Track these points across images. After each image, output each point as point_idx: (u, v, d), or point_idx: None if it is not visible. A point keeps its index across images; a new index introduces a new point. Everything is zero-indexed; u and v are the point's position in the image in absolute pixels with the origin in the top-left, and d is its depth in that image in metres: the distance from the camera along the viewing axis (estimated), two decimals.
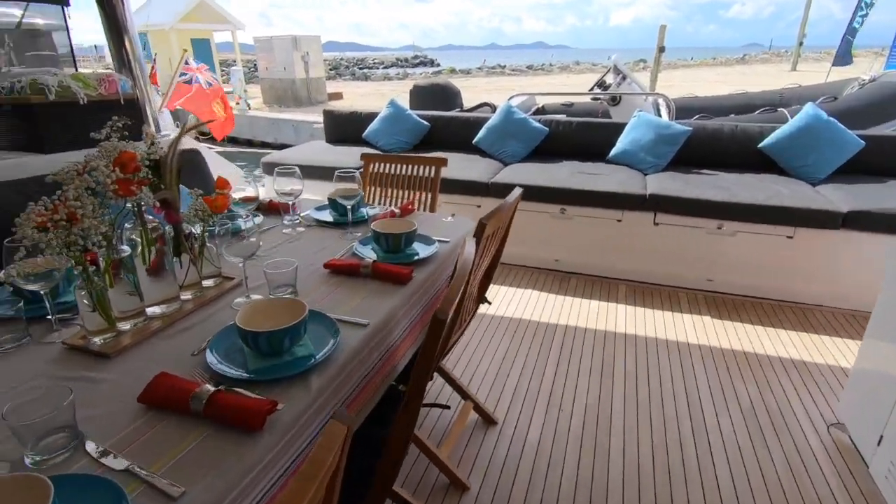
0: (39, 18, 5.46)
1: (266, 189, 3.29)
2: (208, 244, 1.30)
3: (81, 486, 0.69)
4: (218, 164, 5.11)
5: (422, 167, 2.42)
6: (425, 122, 4.31)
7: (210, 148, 6.31)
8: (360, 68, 41.17)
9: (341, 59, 50.19)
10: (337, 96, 15.74)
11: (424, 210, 2.35)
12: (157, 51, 12.75)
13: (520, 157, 3.86)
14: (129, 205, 1.05)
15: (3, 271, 0.98)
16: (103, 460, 0.75)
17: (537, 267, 3.41)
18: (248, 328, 0.95)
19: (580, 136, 3.85)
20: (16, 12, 5.03)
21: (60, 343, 1.05)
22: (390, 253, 1.50)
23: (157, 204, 1.13)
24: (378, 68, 44.14)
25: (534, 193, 3.21)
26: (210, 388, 0.85)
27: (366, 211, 1.91)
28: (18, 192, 1.77)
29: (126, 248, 1.07)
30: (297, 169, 1.73)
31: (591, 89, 5.78)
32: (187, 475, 0.72)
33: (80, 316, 1.02)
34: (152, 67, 9.34)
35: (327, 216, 1.85)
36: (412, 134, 4.28)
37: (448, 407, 1.98)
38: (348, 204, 1.68)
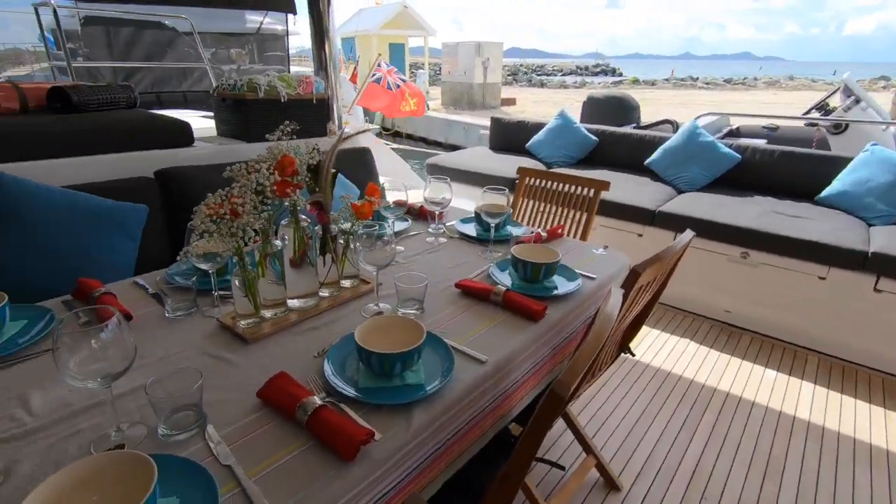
0: (278, 24, 6.55)
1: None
2: (351, 246, 1.34)
3: (184, 471, 0.72)
4: (391, 161, 5.55)
5: (580, 187, 2.24)
6: (593, 137, 4.05)
7: (387, 144, 6.90)
8: (538, 74, 41.24)
9: (521, 64, 50.89)
10: (510, 102, 15.96)
11: (575, 236, 2.18)
12: (361, 53, 14.42)
13: (699, 186, 3.39)
14: (285, 203, 1.11)
15: (183, 249, 1.12)
16: (216, 449, 0.79)
17: (701, 314, 2.95)
18: (363, 345, 0.93)
19: (782, 169, 3.22)
20: (258, 19, 6.11)
21: (216, 319, 1.16)
22: (527, 282, 1.38)
23: (310, 205, 1.19)
24: (556, 75, 43.71)
25: (710, 230, 2.77)
26: (317, 400, 0.85)
27: (510, 230, 1.82)
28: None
29: (278, 244, 1.14)
30: (447, 180, 1.71)
31: (808, 112, 4.83)
32: (278, 488, 0.72)
33: (234, 299, 1.12)
34: (355, 68, 10.58)
35: (471, 230, 1.81)
36: (578, 148, 4.06)
37: (563, 468, 1.79)
38: (492, 221, 1.61)
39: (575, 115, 4.39)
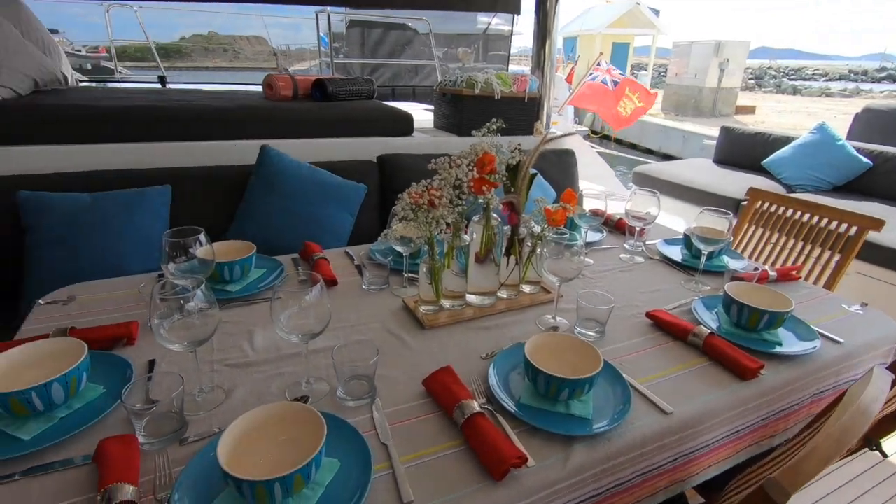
0: (505, 25, 6.83)
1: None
2: (538, 252, 1.29)
3: (350, 438, 0.77)
4: (595, 165, 5.30)
5: (837, 222, 1.77)
6: (865, 160, 3.20)
7: (592, 147, 6.62)
8: (791, 79, 34.56)
9: (768, 67, 43.30)
10: (747, 110, 13.78)
11: (817, 282, 1.74)
12: (581, 53, 14.10)
13: None
14: (479, 200, 1.11)
15: (385, 231, 1.22)
16: (379, 425, 0.83)
17: None
18: (532, 360, 0.87)
19: None
20: (487, 20, 6.46)
21: (402, 299, 1.24)
22: (740, 329, 1.14)
23: (503, 204, 1.17)
24: (817, 80, 35.99)
25: None
26: (475, 405, 0.83)
27: (727, 261, 1.54)
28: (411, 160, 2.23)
29: (467, 238, 1.16)
30: (656, 193, 1.52)
31: None
32: (425, 481, 0.72)
33: (419, 283, 1.18)
34: (572, 68, 10.39)
35: (676, 253, 1.58)
36: (838, 171, 3.26)
37: None
38: (706, 248, 1.37)
39: (840, 130, 3.52)
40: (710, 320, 1.19)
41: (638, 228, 1.60)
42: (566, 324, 1.18)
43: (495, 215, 1.19)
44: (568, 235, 1.13)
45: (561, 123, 6.27)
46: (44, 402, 0.78)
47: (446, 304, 1.20)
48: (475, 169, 1.06)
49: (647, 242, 1.70)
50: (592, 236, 1.73)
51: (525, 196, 1.21)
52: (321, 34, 5.57)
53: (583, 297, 1.12)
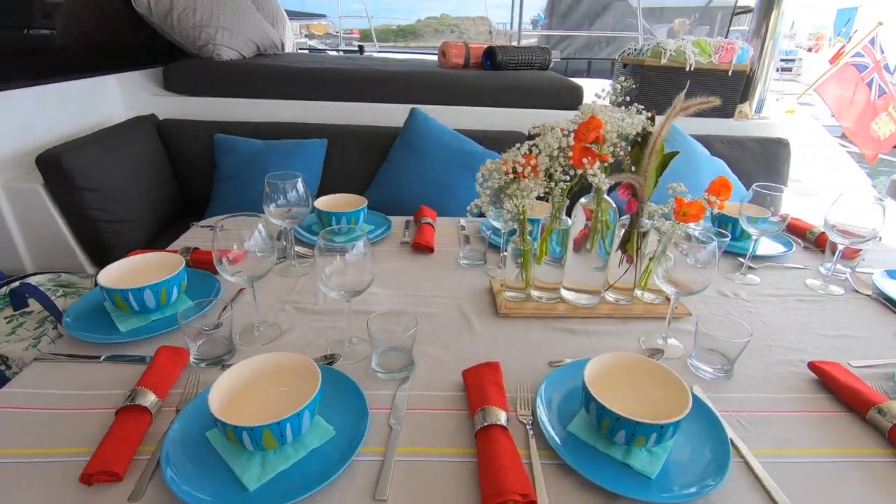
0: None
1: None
2: (668, 253, 1.01)
3: (356, 410, 0.71)
4: (840, 167, 4.19)
5: None
6: None
7: (843, 145, 5.18)
8: None
9: None
10: None
11: None
12: (858, 28, 11.07)
13: None
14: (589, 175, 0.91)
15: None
16: (395, 405, 0.75)
17: None
18: (589, 381, 0.68)
19: None
20: None
21: (490, 280, 1.12)
22: None
23: (622, 187, 0.94)
24: None
25: None
26: (501, 416, 0.68)
27: None
28: None
29: (568, 221, 0.97)
30: (883, 202, 1.06)
31: None
32: (407, 484, 0.62)
33: (506, 266, 1.04)
34: (841, 47, 8.19)
35: None
36: None
37: None
38: None
39: None
40: None
41: (844, 247, 1.15)
42: (679, 349, 0.91)
43: (610, 200, 0.97)
44: (698, 233, 0.86)
45: (799, 113, 5.05)
46: (138, 304, 0.90)
47: (536, 294, 1.04)
48: (573, 136, 0.86)
49: (857, 269, 1.22)
50: (772, 248, 1.32)
51: (655, 179, 0.96)
52: (539, 12, 5.46)
53: (706, 320, 0.84)
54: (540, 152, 0.88)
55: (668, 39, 2.10)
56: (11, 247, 1.58)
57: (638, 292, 1.06)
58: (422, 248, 1.25)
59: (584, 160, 0.84)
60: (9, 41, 1.71)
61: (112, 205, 1.62)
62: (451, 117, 2.06)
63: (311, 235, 1.29)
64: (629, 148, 0.94)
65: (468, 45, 2.56)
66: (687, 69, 2.06)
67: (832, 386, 0.80)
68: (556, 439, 0.68)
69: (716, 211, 0.93)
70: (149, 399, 0.70)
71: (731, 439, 0.69)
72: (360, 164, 1.95)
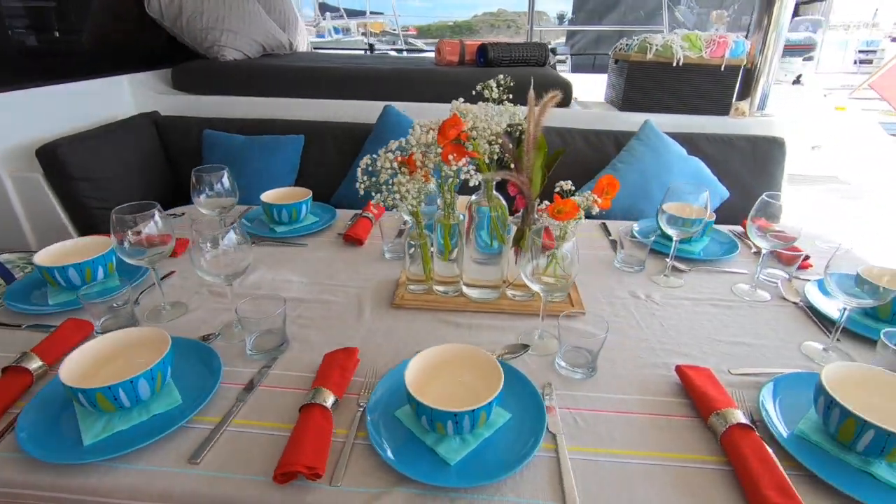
0: None
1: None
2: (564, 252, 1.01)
3: (206, 364, 0.78)
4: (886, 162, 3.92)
5: None
6: None
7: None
8: None
9: None
10: None
11: None
12: None
13: None
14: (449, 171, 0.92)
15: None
16: (262, 371, 0.81)
17: None
18: (411, 377, 0.70)
19: None
20: None
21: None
22: (832, 441, 0.69)
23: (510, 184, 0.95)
24: None
25: None
26: (319, 399, 0.72)
27: None
28: (562, 138, 1.96)
29: (460, 216, 0.99)
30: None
31: None
32: (220, 453, 0.68)
33: (406, 259, 1.07)
34: None
35: (830, 305, 1.03)
36: None
37: None
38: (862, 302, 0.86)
39: None
40: (783, 408, 0.75)
41: (765, 251, 1.09)
42: (555, 346, 0.91)
43: (499, 195, 0.98)
44: (559, 232, 0.86)
45: (851, 111, 4.68)
46: (64, 280, 1.00)
47: (439, 288, 1.07)
48: (430, 132, 0.88)
49: (799, 276, 1.16)
50: (713, 252, 1.28)
51: (542, 176, 0.96)
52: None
53: (567, 317, 0.84)
54: (412, 148, 0.91)
55: (657, 34, 2.03)
56: (20, 230, 1.77)
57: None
58: (352, 240, 1.30)
59: (451, 157, 0.86)
60: (27, 43, 1.92)
61: (106, 193, 1.78)
62: (434, 114, 2.09)
63: (257, 227, 1.37)
64: (512, 146, 0.94)
65: (463, 43, 2.58)
66: (674, 64, 1.98)
67: (688, 390, 0.79)
68: (371, 424, 0.71)
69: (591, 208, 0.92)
70: (33, 363, 0.80)
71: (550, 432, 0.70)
72: (338, 159, 2.02)
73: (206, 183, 1.15)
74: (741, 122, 2.08)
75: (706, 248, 1.31)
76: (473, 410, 0.64)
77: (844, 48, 13.76)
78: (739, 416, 0.70)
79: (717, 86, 2.03)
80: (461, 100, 0.93)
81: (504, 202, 0.99)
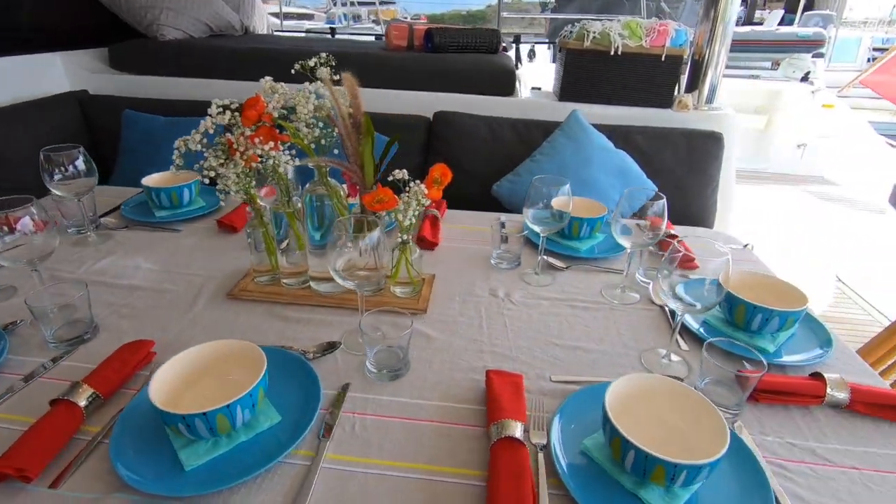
0: None
1: None
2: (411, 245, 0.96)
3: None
4: (875, 162, 3.81)
5: None
6: None
7: (892, 144, 4.57)
8: None
9: None
10: None
11: None
12: None
13: None
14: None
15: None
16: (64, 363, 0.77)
17: None
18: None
19: None
20: None
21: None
22: None
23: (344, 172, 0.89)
24: None
25: None
26: (76, 395, 0.68)
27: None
28: (489, 128, 1.90)
29: (297, 203, 0.94)
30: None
31: None
32: None
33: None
34: None
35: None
36: None
37: None
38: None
39: None
40: (580, 420, 0.69)
41: (629, 249, 1.02)
42: (360, 343, 0.85)
43: (337, 183, 0.92)
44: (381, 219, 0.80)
45: (840, 108, 4.53)
46: None
47: (286, 280, 1.02)
48: (230, 115, 0.82)
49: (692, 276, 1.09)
50: (604, 250, 1.21)
51: (373, 163, 0.90)
52: None
53: (369, 315, 0.78)
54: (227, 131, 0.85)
55: (596, 22, 1.94)
56: None
57: (394, 288, 1.01)
58: (226, 227, 1.25)
59: (257, 140, 0.80)
60: None
61: (16, 175, 1.74)
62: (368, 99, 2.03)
63: (138, 212, 1.33)
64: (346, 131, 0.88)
65: (412, 27, 2.50)
66: (612, 53, 1.89)
67: (487, 397, 0.73)
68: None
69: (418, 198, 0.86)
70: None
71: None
72: None
73: (57, 164, 1.10)
74: (684, 115, 1.99)
75: (599, 245, 1.24)
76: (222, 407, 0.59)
77: (858, 45, 13.39)
78: (515, 429, 0.65)
79: (658, 77, 1.94)
80: (269, 78, 0.87)
81: (340, 190, 0.93)
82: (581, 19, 2.07)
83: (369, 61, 2.25)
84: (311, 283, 1.01)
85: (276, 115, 0.83)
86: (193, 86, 2.20)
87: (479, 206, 1.53)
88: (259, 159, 0.86)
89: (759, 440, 0.70)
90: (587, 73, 1.97)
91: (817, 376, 0.77)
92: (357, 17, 13.84)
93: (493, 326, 0.92)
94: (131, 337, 0.84)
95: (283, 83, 0.88)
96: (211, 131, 0.86)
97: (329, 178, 0.92)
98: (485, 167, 1.84)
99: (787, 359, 0.86)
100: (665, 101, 1.99)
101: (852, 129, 4.47)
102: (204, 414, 0.59)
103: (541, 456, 0.65)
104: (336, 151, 0.91)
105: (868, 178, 4.28)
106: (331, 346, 0.84)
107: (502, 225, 1.17)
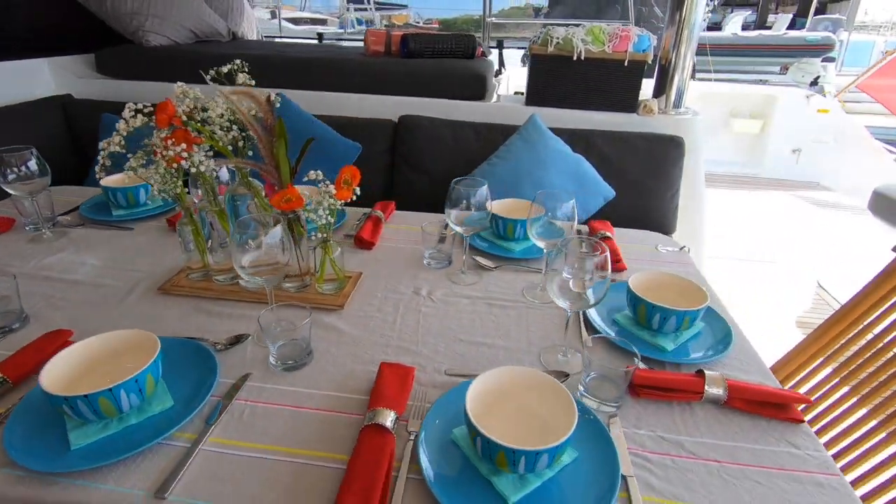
0: None
1: None
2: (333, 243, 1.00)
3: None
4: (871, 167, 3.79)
5: None
6: None
7: (891, 150, 4.51)
8: None
9: None
10: None
11: None
12: None
13: None
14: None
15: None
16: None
17: None
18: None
19: None
20: None
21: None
22: None
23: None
24: None
25: None
26: None
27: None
28: (453, 132, 1.93)
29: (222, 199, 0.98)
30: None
31: None
32: None
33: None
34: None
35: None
36: None
37: None
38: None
39: None
40: (457, 410, 0.72)
41: (546, 250, 1.04)
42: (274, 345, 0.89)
43: (258, 183, 0.97)
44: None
45: (834, 112, 4.48)
46: None
47: (218, 277, 1.06)
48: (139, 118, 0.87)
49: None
50: (538, 251, 1.24)
51: (287, 163, 0.94)
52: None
53: (269, 311, 0.83)
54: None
55: (560, 27, 1.97)
56: None
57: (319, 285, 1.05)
58: (174, 227, 1.31)
59: (169, 143, 0.85)
60: None
61: None
62: (332, 103, 2.10)
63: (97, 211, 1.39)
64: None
65: (390, 33, 2.55)
66: (575, 58, 1.92)
67: (373, 387, 0.77)
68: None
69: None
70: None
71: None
72: None
73: (9, 164, 1.16)
74: (650, 119, 2.01)
75: (533, 246, 1.27)
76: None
77: (871, 49, 13.19)
78: (386, 417, 0.68)
79: (621, 82, 1.96)
80: (181, 84, 0.92)
81: (262, 190, 0.97)
82: (570, 24, 2.10)
83: (346, 67, 2.30)
84: (241, 281, 1.05)
85: (185, 118, 0.87)
86: (171, 90, 2.28)
87: (440, 207, 1.56)
88: (182, 160, 0.91)
89: (631, 433, 0.72)
90: (552, 78, 2.00)
91: (700, 373, 0.79)
92: (370, 22, 14.04)
93: (406, 322, 0.96)
94: (59, 327, 0.89)
95: (196, 87, 0.92)
96: (124, 133, 0.90)
97: (251, 179, 0.97)
98: (447, 170, 1.88)
99: (685, 357, 0.88)
100: (630, 105, 2.01)
101: (848, 133, 4.42)
102: (86, 396, 0.63)
103: (410, 444, 0.68)
104: (250, 153, 0.96)
105: (864, 183, 4.23)
106: (238, 339, 0.88)
107: (445, 226, 1.20)
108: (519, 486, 0.62)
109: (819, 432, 1.07)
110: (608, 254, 0.81)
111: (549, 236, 1.02)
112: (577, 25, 2.01)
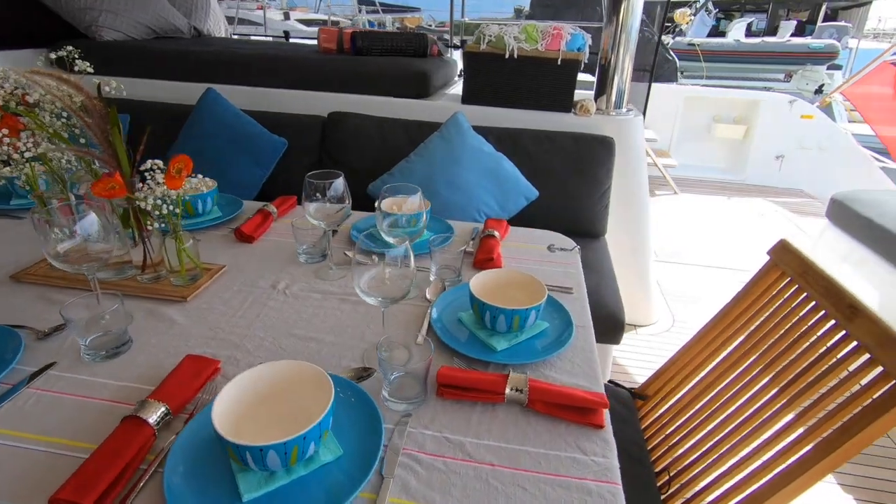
0: None
1: None
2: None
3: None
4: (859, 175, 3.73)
5: None
6: None
7: (877, 158, 4.41)
8: None
9: None
10: None
11: None
12: None
13: None
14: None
15: None
16: None
17: None
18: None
19: None
20: None
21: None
22: None
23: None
24: None
25: None
26: None
27: None
28: (380, 129, 1.92)
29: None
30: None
31: None
32: None
33: None
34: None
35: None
36: None
37: None
38: None
39: None
40: None
41: (398, 246, 1.03)
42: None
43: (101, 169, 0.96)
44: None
45: (820, 119, 4.40)
46: None
47: (66, 267, 1.05)
48: None
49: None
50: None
51: (125, 152, 0.93)
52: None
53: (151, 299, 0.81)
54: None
55: (494, 25, 1.95)
56: None
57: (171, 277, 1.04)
58: None
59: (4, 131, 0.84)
60: None
61: None
62: (274, 99, 2.10)
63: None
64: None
65: (341, 31, 2.54)
66: (507, 56, 1.89)
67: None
68: None
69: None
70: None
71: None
72: (163, 140, 2.02)
73: None
74: (586, 120, 1.98)
75: (421, 242, 1.25)
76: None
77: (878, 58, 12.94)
78: (152, 411, 0.67)
79: (555, 81, 1.94)
80: (3, 68, 0.91)
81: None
82: (507, 24, 2.08)
83: (297, 64, 2.30)
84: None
85: (1, 102, 0.87)
86: (130, 85, 2.29)
87: (364, 204, 1.55)
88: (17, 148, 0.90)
89: (416, 434, 0.70)
90: (486, 76, 1.98)
91: (506, 374, 0.77)
92: (382, 25, 14.13)
93: (246, 316, 0.94)
94: None
95: (13, 71, 0.92)
96: None
97: (95, 167, 0.96)
98: (373, 167, 1.87)
99: (514, 358, 0.85)
100: (565, 104, 1.99)
101: (833, 141, 4.33)
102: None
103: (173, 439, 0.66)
104: (83, 140, 0.95)
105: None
106: (58, 328, 0.87)
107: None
108: (264, 483, 0.60)
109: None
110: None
111: (401, 235, 1.00)
112: (516, 24, 1.99)
